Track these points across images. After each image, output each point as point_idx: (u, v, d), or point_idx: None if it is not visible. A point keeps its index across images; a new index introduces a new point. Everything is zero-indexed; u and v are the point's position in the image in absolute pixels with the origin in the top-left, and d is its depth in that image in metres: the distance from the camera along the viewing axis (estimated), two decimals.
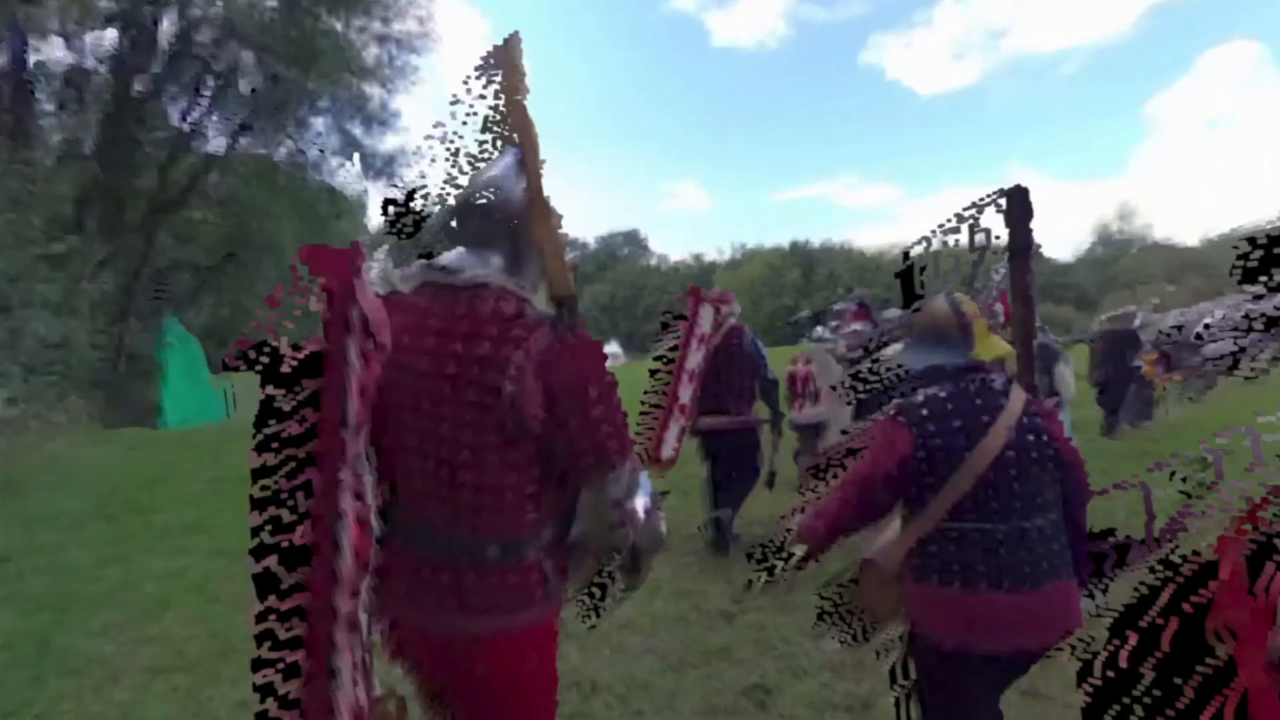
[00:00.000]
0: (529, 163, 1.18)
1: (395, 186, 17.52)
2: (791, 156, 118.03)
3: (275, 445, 0.98)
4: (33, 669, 2.69)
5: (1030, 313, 2.06)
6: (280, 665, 0.95)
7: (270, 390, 0.99)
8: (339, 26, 14.65)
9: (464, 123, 1.28)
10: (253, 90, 14.58)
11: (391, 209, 1.28)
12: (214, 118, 15.14)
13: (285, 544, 0.96)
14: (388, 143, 17.49)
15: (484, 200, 1.16)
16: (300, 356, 1.00)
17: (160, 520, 5.01)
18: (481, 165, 1.29)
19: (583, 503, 1.16)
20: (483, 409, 1.05)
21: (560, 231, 1.23)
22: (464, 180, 1.28)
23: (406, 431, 1.11)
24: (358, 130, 16.71)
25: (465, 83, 1.25)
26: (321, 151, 16.58)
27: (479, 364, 1.05)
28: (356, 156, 16.96)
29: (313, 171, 16.59)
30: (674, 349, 3.61)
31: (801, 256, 75.03)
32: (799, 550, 1.60)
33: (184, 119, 14.78)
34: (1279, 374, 1.77)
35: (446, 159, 1.29)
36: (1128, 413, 7.71)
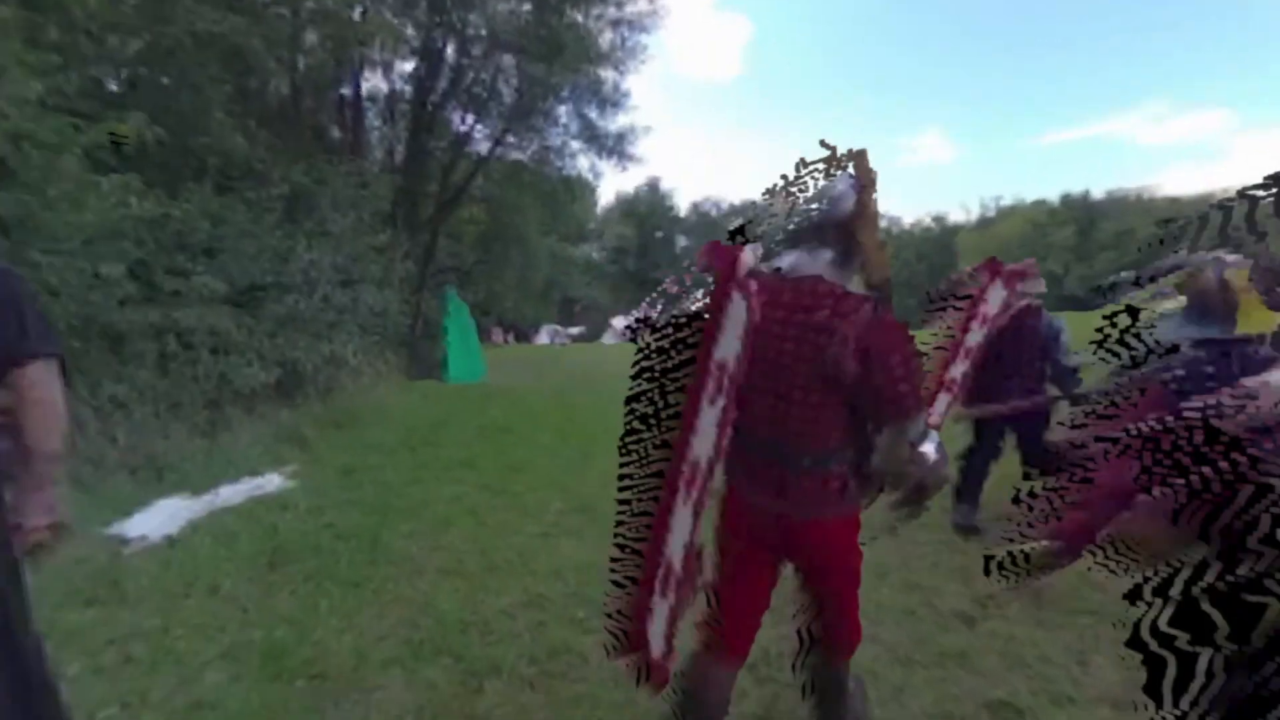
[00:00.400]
0: (866, 201, 1.58)
1: (625, 166, 18.67)
2: (1073, 86, 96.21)
3: (653, 373, 1.53)
4: (369, 556, 3.55)
5: None
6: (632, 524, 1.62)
7: (653, 337, 1.53)
8: (580, 18, 15.90)
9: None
10: (517, 92, 16.66)
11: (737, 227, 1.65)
12: (481, 124, 17.68)
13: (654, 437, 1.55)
14: (618, 121, 18.69)
15: (820, 214, 1.59)
16: (690, 312, 1.49)
17: (444, 455, 6.17)
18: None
19: (882, 440, 1.54)
20: (811, 362, 1.48)
21: (880, 234, 1.61)
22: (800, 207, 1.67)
23: (758, 374, 1.52)
24: (593, 114, 18.10)
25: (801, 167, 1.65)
26: (563, 142, 18.31)
27: (814, 330, 1.48)
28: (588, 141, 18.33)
29: (554, 160, 18.42)
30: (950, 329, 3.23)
31: (1077, 210, 61.83)
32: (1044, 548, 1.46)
33: (461, 125, 17.53)
34: None
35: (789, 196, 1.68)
36: None
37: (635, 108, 20.53)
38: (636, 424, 1.55)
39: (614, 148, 18.70)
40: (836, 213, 1.57)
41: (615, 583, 1.65)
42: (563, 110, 18.10)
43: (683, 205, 78.42)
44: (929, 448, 1.51)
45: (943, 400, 3.19)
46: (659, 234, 71.03)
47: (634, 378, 1.54)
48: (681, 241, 75.29)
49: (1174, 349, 1.30)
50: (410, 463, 5.81)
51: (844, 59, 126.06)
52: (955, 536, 3.66)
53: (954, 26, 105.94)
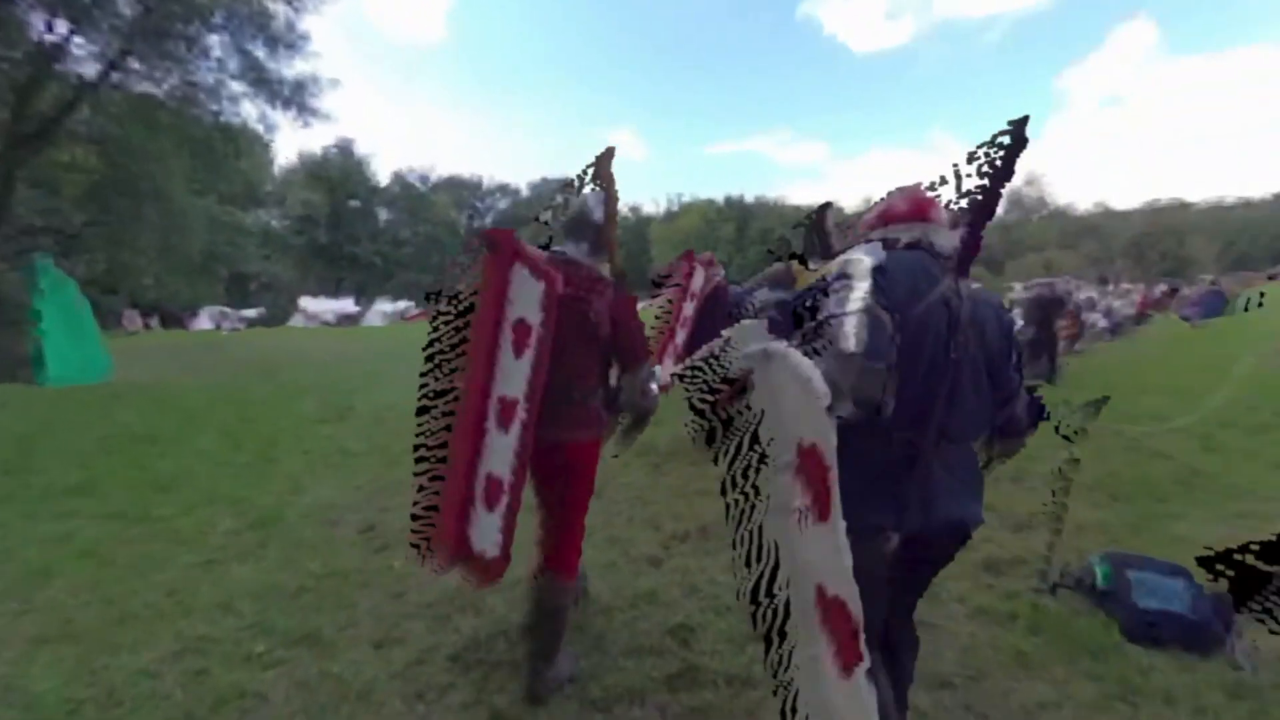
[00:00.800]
0: (610, 208, 2.23)
1: (307, 120, 16.11)
2: (728, 108, 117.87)
3: (441, 339, 1.89)
4: None
5: None
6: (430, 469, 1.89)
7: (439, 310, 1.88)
8: None
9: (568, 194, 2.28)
10: (143, 6, 12.70)
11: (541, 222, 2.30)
12: (85, 38, 13.16)
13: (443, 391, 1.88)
14: (296, 68, 15.95)
15: (581, 217, 2.19)
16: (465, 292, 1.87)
17: (40, 482, 4.56)
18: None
19: (625, 381, 2.15)
20: (580, 325, 2.02)
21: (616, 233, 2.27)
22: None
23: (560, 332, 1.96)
24: (260, 53, 15.10)
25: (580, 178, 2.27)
26: (217, 81, 14.86)
27: (583, 302, 2.03)
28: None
29: (207, 100, 14.88)
30: (669, 303, 4.57)
31: (736, 211, 75.44)
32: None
33: (47, 33, 12.77)
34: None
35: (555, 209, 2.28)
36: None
37: (316, 54, 17.75)
38: (434, 370, 1.89)
39: (291, 97, 15.96)
40: (593, 217, 2.18)
41: (423, 496, 1.91)
42: (216, 41, 14.66)
43: (383, 174, 71.60)
44: (652, 387, 2.19)
45: (669, 362, 4.33)
46: (354, 203, 63.55)
47: (432, 335, 1.89)
48: (384, 214, 68.69)
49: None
50: None
51: (549, 44, 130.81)
52: (647, 493, 4.16)
53: (643, 36, 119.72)
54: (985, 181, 1.46)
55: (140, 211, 14.92)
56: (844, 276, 1.36)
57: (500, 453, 1.88)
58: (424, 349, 1.90)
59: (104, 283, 18.31)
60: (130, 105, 14.29)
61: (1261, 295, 15.97)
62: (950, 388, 1.41)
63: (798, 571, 1.15)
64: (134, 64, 13.70)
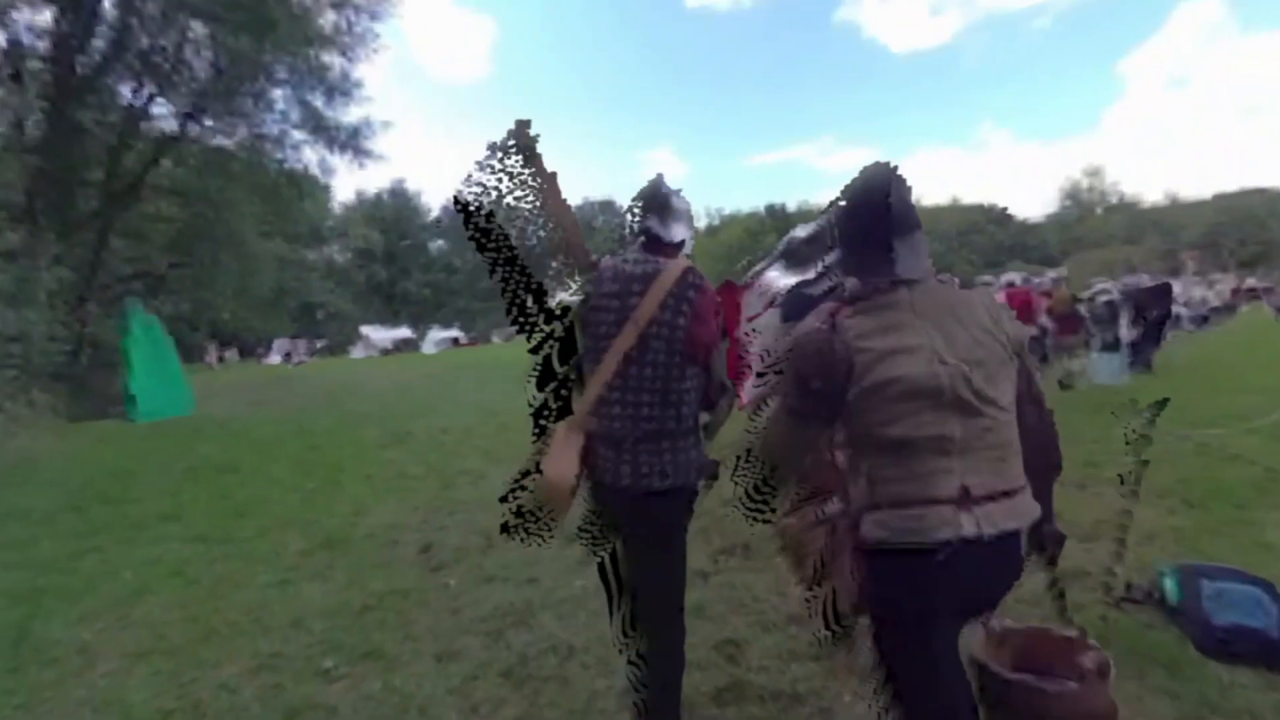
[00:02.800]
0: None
1: (362, 162, 17.04)
2: (767, 120, 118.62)
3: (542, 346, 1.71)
4: (11, 660, 2.69)
5: None
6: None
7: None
8: None
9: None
10: (215, 68, 13.84)
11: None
12: (166, 99, 14.42)
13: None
14: (351, 114, 16.97)
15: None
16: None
17: (135, 511, 4.96)
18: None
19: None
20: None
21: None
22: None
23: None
24: (319, 102, 16.14)
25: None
26: (282, 131, 15.94)
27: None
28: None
29: (272, 150, 15.98)
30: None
31: (779, 220, 74.70)
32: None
33: (134, 99, 14.06)
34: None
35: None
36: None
37: (370, 100, 18.80)
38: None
39: (347, 141, 16.92)
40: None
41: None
42: (279, 95, 15.77)
43: (434, 207, 74.42)
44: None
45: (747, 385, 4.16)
46: (406, 242, 66.36)
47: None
48: (436, 245, 71.39)
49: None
50: (78, 528, 4.55)
51: (585, 72, 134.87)
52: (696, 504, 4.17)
53: (677, 57, 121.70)
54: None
55: (218, 254, 16.07)
56: None
57: None
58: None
59: (189, 320, 19.70)
60: (206, 158, 15.51)
61: None
62: None
63: None
64: (208, 120, 14.89)
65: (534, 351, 1.72)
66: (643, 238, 1.75)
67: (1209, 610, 2.21)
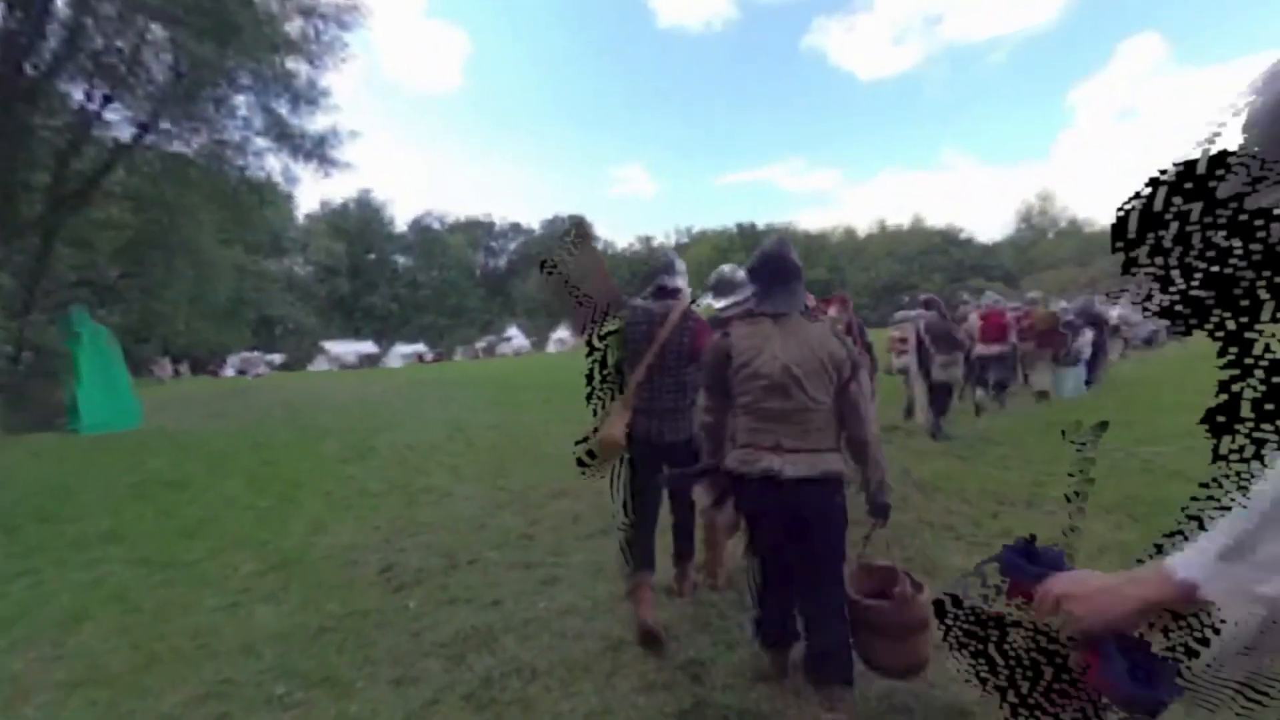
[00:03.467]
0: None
1: (328, 171, 16.73)
2: (737, 140, 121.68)
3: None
4: None
5: None
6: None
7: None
8: None
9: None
10: (174, 72, 13.43)
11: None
12: (121, 103, 13.95)
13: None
14: (318, 122, 16.68)
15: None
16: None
17: (73, 530, 4.71)
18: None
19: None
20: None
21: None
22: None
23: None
24: (284, 109, 15.84)
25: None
26: (244, 138, 15.57)
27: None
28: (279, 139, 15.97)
29: (234, 156, 15.59)
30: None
31: (748, 238, 75.94)
32: None
33: (86, 102, 13.56)
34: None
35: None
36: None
37: (337, 108, 18.49)
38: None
39: (312, 150, 16.62)
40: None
41: None
42: (242, 101, 15.42)
43: (401, 221, 73.50)
44: None
45: None
46: (371, 255, 65.27)
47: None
48: (401, 260, 70.33)
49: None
50: (9, 548, 4.30)
51: (557, 88, 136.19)
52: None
53: (649, 77, 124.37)
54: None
55: (172, 263, 15.51)
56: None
57: None
58: None
59: (137, 331, 18.92)
60: (163, 164, 15.02)
61: None
62: None
63: None
64: (166, 125, 14.45)
65: (589, 357, 2.68)
66: (658, 287, 2.85)
67: None
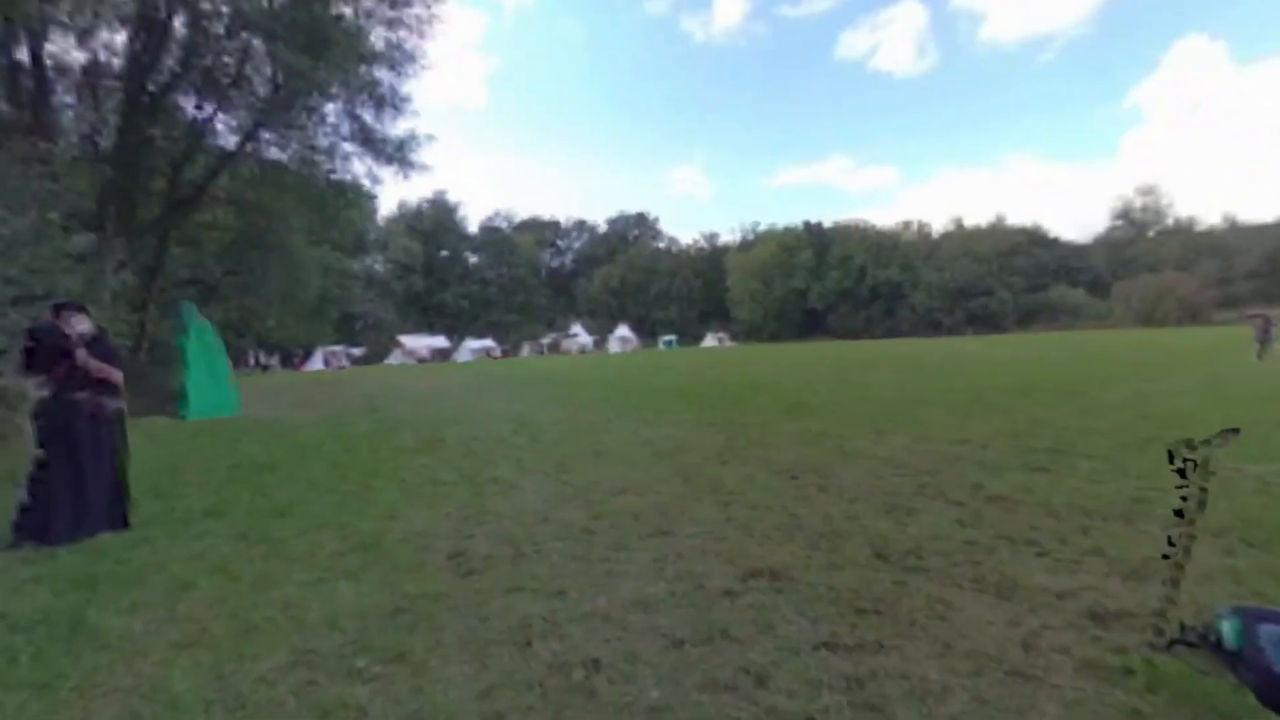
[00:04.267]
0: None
1: (407, 173, 17.55)
2: (780, 142, 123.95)
3: None
4: (68, 644, 2.83)
5: None
6: None
7: None
8: (348, 12, 14.65)
9: None
10: (273, 84, 14.51)
11: None
12: (226, 114, 15.19)
13: None
14: (398, 127, 17.55)
15: None
16: None
17: (182, 506, 5.17)
18: None
19: None
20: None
21: None
22: None
23: None
24: (369, 116, 16.76)
25: None
26: (332, 143, 16.59)
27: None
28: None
29: (324, 160, 16.64)
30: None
31: (815, 237, 73.79)
32: None
33: (197, 114, 14.85)
34: None
35: None
36: None
37: (416, 113, 19.33)
38: None
39: (394, 153, 17.50)
40: None
41: None
42: (331, 109, 16.44)
43: (473, 221, 76.16)
44: None
45: None
46: (444, 254, 68.00)
47: None
48: (472, 259, 72.95)
49: None
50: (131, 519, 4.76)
51: (610, 94, 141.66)
52: (719, 529, 4.15)
53: (690, 84, 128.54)
54: None
55: (267, 263, 16.75)
56: None
57: None
58: None
59: (236, 326, 20.55)
60: (261, 170, 16.25)
61: None
62: None
63: None
64: (265, 134, 15.62)
65: None
66: None
67: (1271, 657, 2.08)
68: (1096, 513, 4.15)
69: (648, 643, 2.66)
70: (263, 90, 14.96)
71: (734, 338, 68.90)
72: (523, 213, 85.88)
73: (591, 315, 72.49)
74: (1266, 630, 2.17)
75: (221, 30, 13.93)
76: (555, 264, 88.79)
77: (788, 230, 75.15)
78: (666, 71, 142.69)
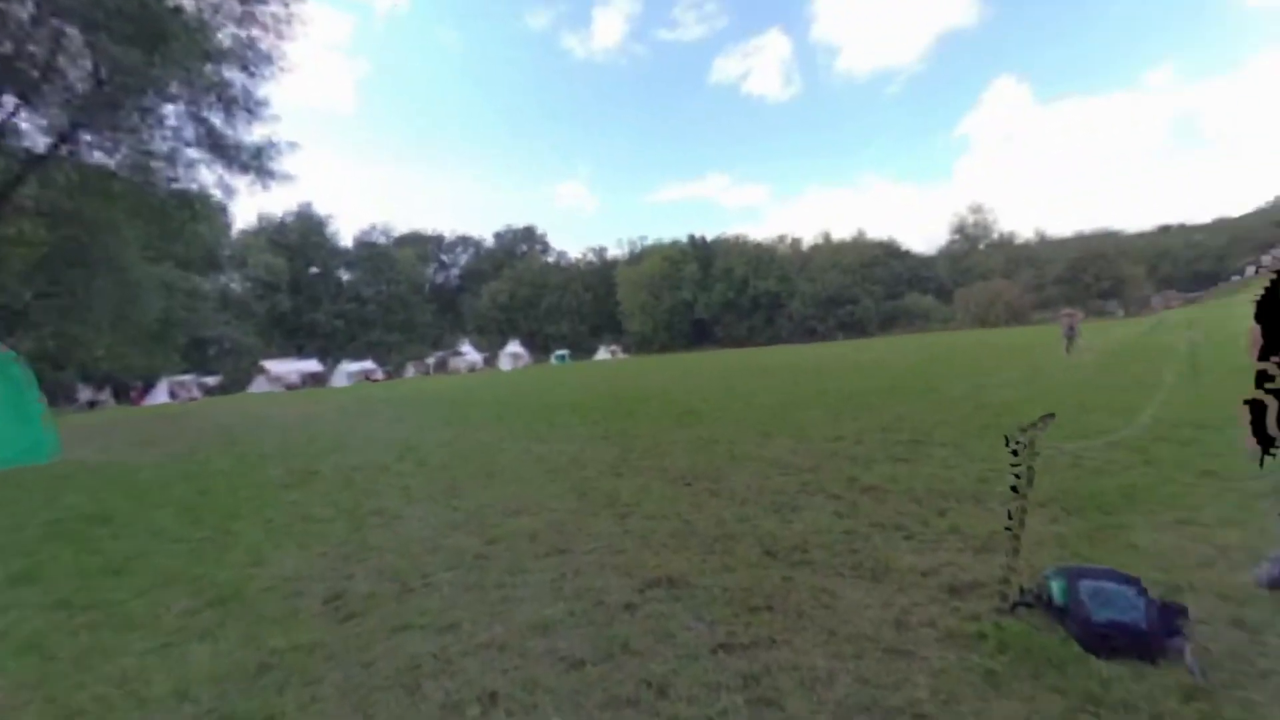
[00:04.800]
0: None
1: (266, 183, 16.09)
2: (662, 160, 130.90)
3: None
4: None
5: None
6: None
7: None
8: (188, 4, 13.21)
9: None
10: (95, 80, 12.65)
11: None
12: (33, 112, 13.07)
13: None
14: (254, 133, 16.02)
15: None
16: None
17: None
18: None
19: None
20: None
21: None
22: None
23: None
24: (217, 120, 15.16)
25: None
26: (173, 149, 14.80)
27: None
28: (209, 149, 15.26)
29: (164, 167, 14.80)
30: None
31: (700, 250, 76.96)
32: None
33: None
34: None
35: None
36: None
37: (276, 119, 17.76)
38: None
39: (249, 161, 15.96)
40: None
41: None
42: (171, 110, 14.70)
43: (346, 235, 71.49)
44: None
45: None
46: (314, 270, 63.09)
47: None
48: (346, 275, 68.20)
49: None
50: None
51: (488, 106, 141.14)
52: (616, 541, 4.15)
53: (573, 101, 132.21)
54: None
55: (92, 282, 14.56)
56: None
57: None
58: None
59: (54, 357, 17.63)
60: (82, 176, 14.12)
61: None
62: None
63: None
64: (86, 136, 13.62)
65: None
66: None
67: (1089, 608, 2.43)
68: (951, 495, 4.63)
69: (546, 667, 2.59)
70: (81, 86, 13.04)
71: (626, 350, 69.92)
72: (402, 227, 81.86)
73: (480, 332, 70.31)
74: (1085, 585, 2.52)
75: (25, 16, 12.00)
76: (439, 280, 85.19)
77: (673, 244, 77.85)
78: (549, 85, 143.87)
